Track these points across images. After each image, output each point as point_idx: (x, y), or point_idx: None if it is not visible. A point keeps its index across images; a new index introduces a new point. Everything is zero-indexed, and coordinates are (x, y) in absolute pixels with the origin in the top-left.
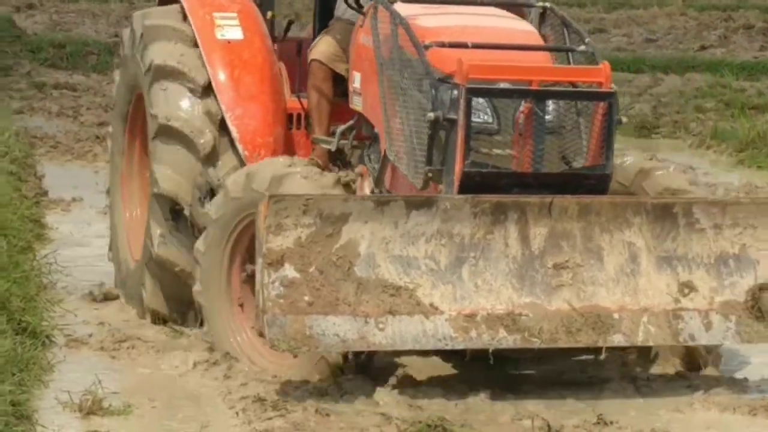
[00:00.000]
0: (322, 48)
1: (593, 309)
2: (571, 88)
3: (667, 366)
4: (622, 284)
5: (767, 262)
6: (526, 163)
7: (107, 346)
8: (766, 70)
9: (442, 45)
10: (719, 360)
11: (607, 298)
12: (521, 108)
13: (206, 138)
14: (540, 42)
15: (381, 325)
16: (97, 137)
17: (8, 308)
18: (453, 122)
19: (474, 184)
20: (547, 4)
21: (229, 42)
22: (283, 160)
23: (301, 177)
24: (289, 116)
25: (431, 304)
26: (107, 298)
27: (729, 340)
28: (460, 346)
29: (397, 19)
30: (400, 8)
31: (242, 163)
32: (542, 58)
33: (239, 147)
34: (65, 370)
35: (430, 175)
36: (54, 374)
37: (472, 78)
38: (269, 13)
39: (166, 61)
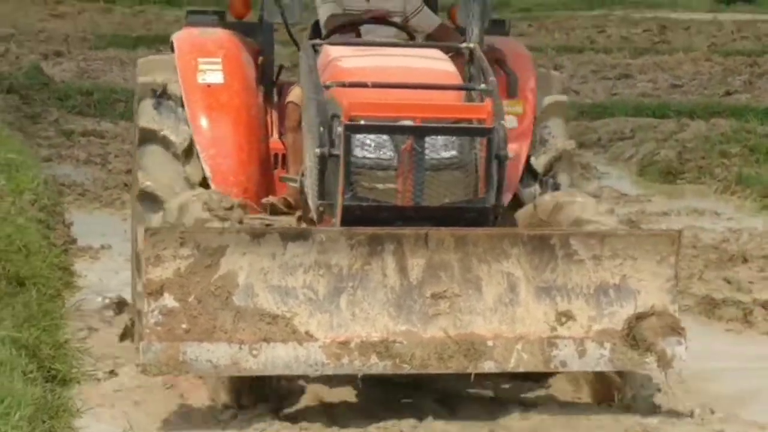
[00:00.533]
0: (297, 90)
1: (468, 336)
2: (444, 124)
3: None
4: (499, 313)
5: (648, 293)
6: (407, 197)
7: (135, 392)
8: None
9: (342, 85)
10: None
11: (483, 326)
12: (403, 144)
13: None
14: (449, 81)
15: (255, 352)
16: (125, 185)
17: (38, 356)
18: (337, 158)
19: (355, 217)
20: (472, 45)
21: (209, 86)
22: (195, 191)
23: (202, 205)
24: (275, 156)
25: (306, 332)
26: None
27: (601, 366)
28: (330, 372)
29: (309, 61)
30: (331, 50)
31: None
32: (452, 97)
33: (212, 186)
34: (95, 416)
35: (321, 209)
36: (84, 420)
37: (354, 115)
38: (260, 58)
39: (150, 123)
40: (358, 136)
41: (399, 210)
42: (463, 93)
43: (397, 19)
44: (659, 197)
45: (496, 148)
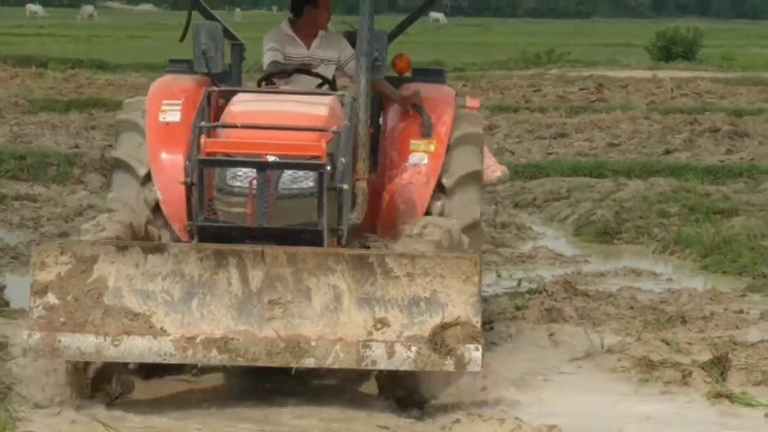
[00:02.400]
0: None
1: (296, 337)
2: (283, 160)
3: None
4: (325, 318)
5: (455, 306)
6: (253, 219)
7: None
8: (732, 174)
9: (214, 127)
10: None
11: (309, 328)
12: (251, 176)
13: (141, 221)
14: (306, 124)
15: (116, 342)
16: None
17: None
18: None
19: (209, 236)
20: (341, 93)
21: (167, 124)
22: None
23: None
24: None
25: (161, 328)
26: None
27: (406, 366)
28: (177, 361)
29: (201, 104)
30: (239, 97)
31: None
32: (313, 137)
33: (163, 209)
34: None
35: (189, 228)
36: None
37: (209, 152)
38: (221, 101)
39: (121, 154)
40: (217, 168)
41: (246, 230)
42: (328, 135)
43: (332, 66)
44: (596, 258)
45: (330, 180)
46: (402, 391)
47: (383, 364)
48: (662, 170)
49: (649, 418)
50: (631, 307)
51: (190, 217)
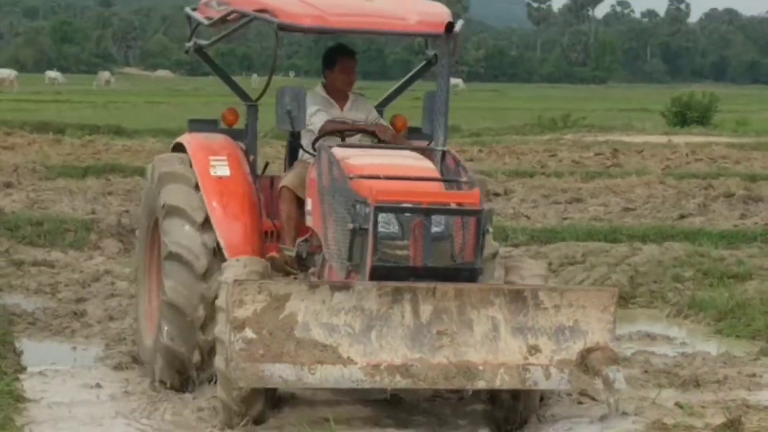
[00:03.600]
0: (290, 179)
1: (464, 363)
2: (451, 207)
3: None
4: (486, 346)
5: (594, 333)
6: (418, 260)
7: None
8: (746, 238)
9: (363, 176)
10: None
11: (475, 355)
12: (414, 221)
13: (202, 262)
14: (436, 175)
15: (312, 371)
16: (75, 313)
17: None
18: (366, 231)
19: (380, 274)
20: (446, 148)
21: (219, 178)
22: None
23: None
24: (265, 232)
25: (348, 357)
26: None
27: (563, 386)
28: (367, 386)
29: (332, 159)
30: (338, 151)
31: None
32: (435, 187)
33: (224, 253)
34: None
35: (350, 268)
36: None
37: (380, 200)
38: (251, 157)
39: (174, 202)
40: (381, 214)
41: (412, 269)
42: (442, 183)
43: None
44: None
45: (483, 225)
46: (502, 412)
47: (543, 385)
48: (677, 235)
49: None
50: (646, 371)
51: (350, 258)
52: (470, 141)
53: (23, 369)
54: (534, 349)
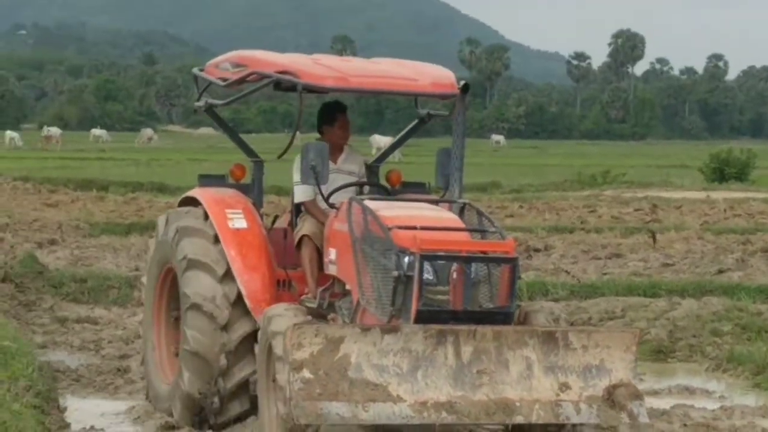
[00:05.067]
0: (309, 228)
1: (503, 400)
2: (486, 255)
3: None
4: (521, 384)
5: (618, 371)
6: (458, 304)
7: None
8: None
9: (400, 227)
10: None
11: (511, 392)
12: (454, 268)
13: (224, 313)
14: (462, 225)
15: (366, 408)
16: (119, 370)
17: None
18: (410, 278)
19: (424, 318)
20: (467, 201)
21: (237, 230)
22: (284, 304)
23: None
24: (277, 281)
25: (398, 395)
26: None
27: (593, 420)
28: (416, 422)
29: (367, 211)
30: (368, 203)
31: (252, 327)
32: (465, 237)
33: (247, 301)
34: None
35: (393, 313)
36: None
37: (424, 249)
38: (261, 211)
39: (195, 255)
40: (426, 262)
41: (452, 313)
42: (469, 234)
43: (354, 177)
44: (650, 376)
45: (517, 272)
46: None
47: (575, 419)
48: (715, 289)
49: None
50: (685, 425)
51: (393, 303)
52: (510, 197)
53: (67, 426)
54: (564, 386)
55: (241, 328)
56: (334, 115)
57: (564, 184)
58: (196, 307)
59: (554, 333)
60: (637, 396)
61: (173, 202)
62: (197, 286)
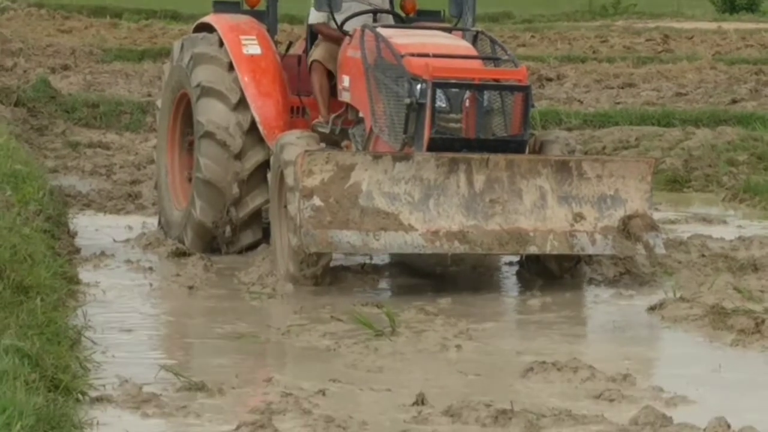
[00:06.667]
0: (320, 53)
1: (516, 230)
2: (499, 83)
3: None
4: (535, 214)
5: (633, 201)
6: (471, 132)
7: (136, 404)
8: None
9: (412, 54)
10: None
11: (525, 222)
12: (467, 95)
13: (237, 141)
14: (476, 53)
15: (377, 237)
16: (129, 195)
17: (41, 365)
18: (422, 105)
19: (436, 146)
20: (480, 29)
21: (252, 56)
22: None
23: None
24: (291, 108)
25: (409, 224)
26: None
27: (608, 251)
28: (429, 251)
29: (380, 38)
30: (383, 31)
31: (265, 156)
32: (478, 65)
33: (260, 128)
34: (97, 427)
35: (406, 140)
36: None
37: (436, 76)
38: (275, 38)
39: (209, 83)
40: (438, 90)
41: (465, 141)
42: (482, 61)
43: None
44: (666, 206)
45: (530, 99)
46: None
47: (590, 250)
48: (729, 119)
49: (722, 366)
50: (703, 255)
51: (405, 131)
52: (522, 27)
53: (77, 251)
54: (579, 217)
55: (254, 157)
56: None
57: (575, 14)
58: (209, 135)
59: (568, 162)
60: (653, 227)
61: (187, 30)
62: (211, 113)
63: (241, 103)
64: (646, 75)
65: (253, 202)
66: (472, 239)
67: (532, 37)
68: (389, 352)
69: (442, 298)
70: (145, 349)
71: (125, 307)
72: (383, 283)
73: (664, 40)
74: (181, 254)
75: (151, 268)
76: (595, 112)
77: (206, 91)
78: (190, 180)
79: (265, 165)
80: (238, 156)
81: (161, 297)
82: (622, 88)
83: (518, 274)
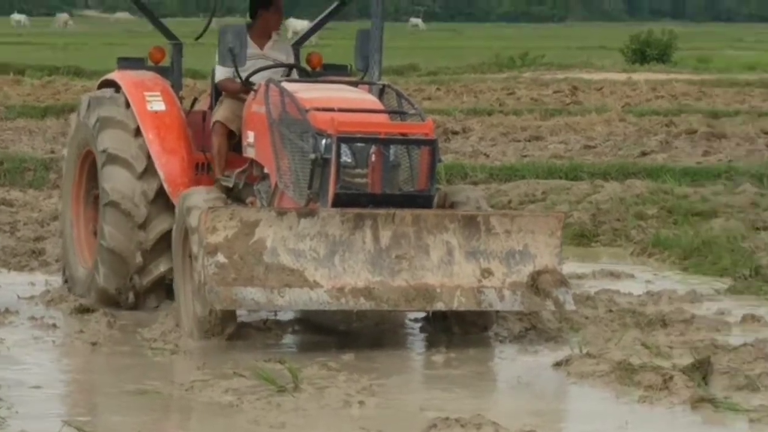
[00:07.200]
0: (222, 113)
1: (423, 286)
2: (405, 137)
3: None
4: (442, 269)
5: (542, 256)
6: (377, 187)
7: None
8: (710, 175)
9: (317, 109)
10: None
11: (432, 278)
12: (372, 150)
13: (142, 211)
14: (382, 107)
15: (282, 294)
16: (33, 252)
17: None
18: (327, 160)
19: (341, 201)
20: (386, 83)
21: (156, 112)
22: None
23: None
24: (196, 164)
25: (314, 281)
26: None
27: (517, 307)
28: (334, 308)
29: (285, 93)
30: (286, 85)
31: (169, 225)
32: (384, 119)
33: (165, 186)
34: None
35: (311, 196)
36: None
37: (341, 130)
38: (180, 94)
39: (115, 150)
40: (342, 145)
41: (371, 196)
42: (388, 116)
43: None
44: (573, 260)
45: (436, 154)
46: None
47: (498, 306)
48: (639, 172)
49: (629, 423)
50: (610, 310)
51: (310, 186)
52: (428, 80)
53: None
54: (487, 272)
55: (159, 226)
56: None
57: (482, 66)
58: (113, 204)
59: (476, 217)
60: (563, 282)
61: (90, 86)
62: (116, 181)
63: (147, 171)
64: (553, 127)
65: (157, 270)
66: (378, 295)
67: (438, 89)
68: (292, 408)
69: (345, 354)
70: (49, 406)
71: (29, 364)
72: (286, 339)
73: (572, 92)
74: (84, 310)
75: (54, 325)
76: (501, 165)
77: (112, 159)
78: (95, 233)
79: (170, 233)
80: (143, 225)
81: (65, 353)
82: (529, 141)
83: (422, 329)
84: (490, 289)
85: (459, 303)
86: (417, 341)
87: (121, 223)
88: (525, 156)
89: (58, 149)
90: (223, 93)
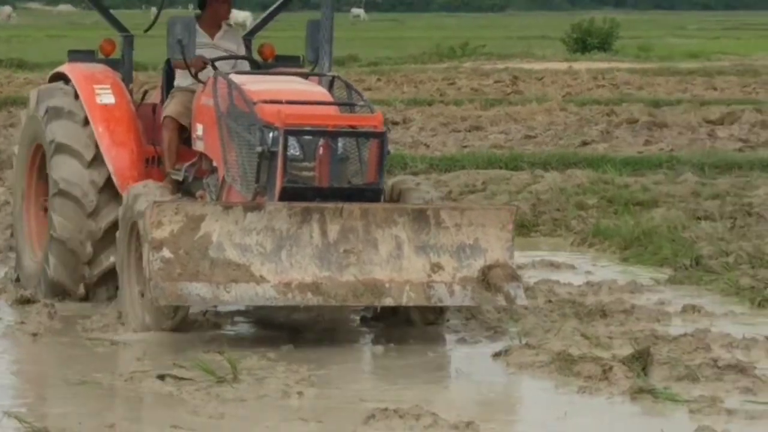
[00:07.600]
0: (172, 107)
1: (371, 281)
2: (354, 129)
3: None
4: (391, 264)
5: (494, 250)
6: (325, 181)
7: None
8: (651, 165)
9: (265, 102)
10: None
11: (380, 273)
12: (320, 143)
13: (91, 199)
14: (331, 99)
15: (228, 289)
16: None
17: None
18: (274, 153)
19: (289, 195)
20: (336, 74)
21: (106, 105)
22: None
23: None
24: (146, 158)
25: (261, 276)
26: None
27: (467, 302)
28: (281, 303)
29: (233, 85)
30: (234, 78)
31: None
32: (333, 111)
33: (114, 179)
34: None
35: (258, 190)
36: None
37: (288, 123)
38: (130, 86)
39: (63, 139)
40: (289, 138)
41: (318, 190)
42: (338, 107)
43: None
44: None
45: (385, 146)
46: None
47: (448, 301)
48: (579, 162)
49: (568, 414)
50: (550, 300)
51: (257, 180)
52: (368, 70)
53: None
54: (437, 267)
55: (109, 216)
56: None
57: (422, 56)
58: (63, 193)
59: (425, 210)
60: (514, 277)
61: (33, 78)
62: (65, 171)
63: (96, 160)
64: (494, 117)
65: (107, 261)
66: (326, 291)
67: (378, 80)
68: (231, 398)
69: (285, 345)
70: None
71: None
72: (225, 330)
73: (513, 82)
74: (25, 301)
75: None
76: (441, 156)
77: (60, 148)
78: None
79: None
80: (92, 214)
81: (5, 344)
82: (470, 131)
83: (363, 320)
84: (440, 284)
85: (408, 298)
86: (356, 332)
87: (71, 212)
88: (465, 146)
89: (0, 142)
90: (174, 87)
